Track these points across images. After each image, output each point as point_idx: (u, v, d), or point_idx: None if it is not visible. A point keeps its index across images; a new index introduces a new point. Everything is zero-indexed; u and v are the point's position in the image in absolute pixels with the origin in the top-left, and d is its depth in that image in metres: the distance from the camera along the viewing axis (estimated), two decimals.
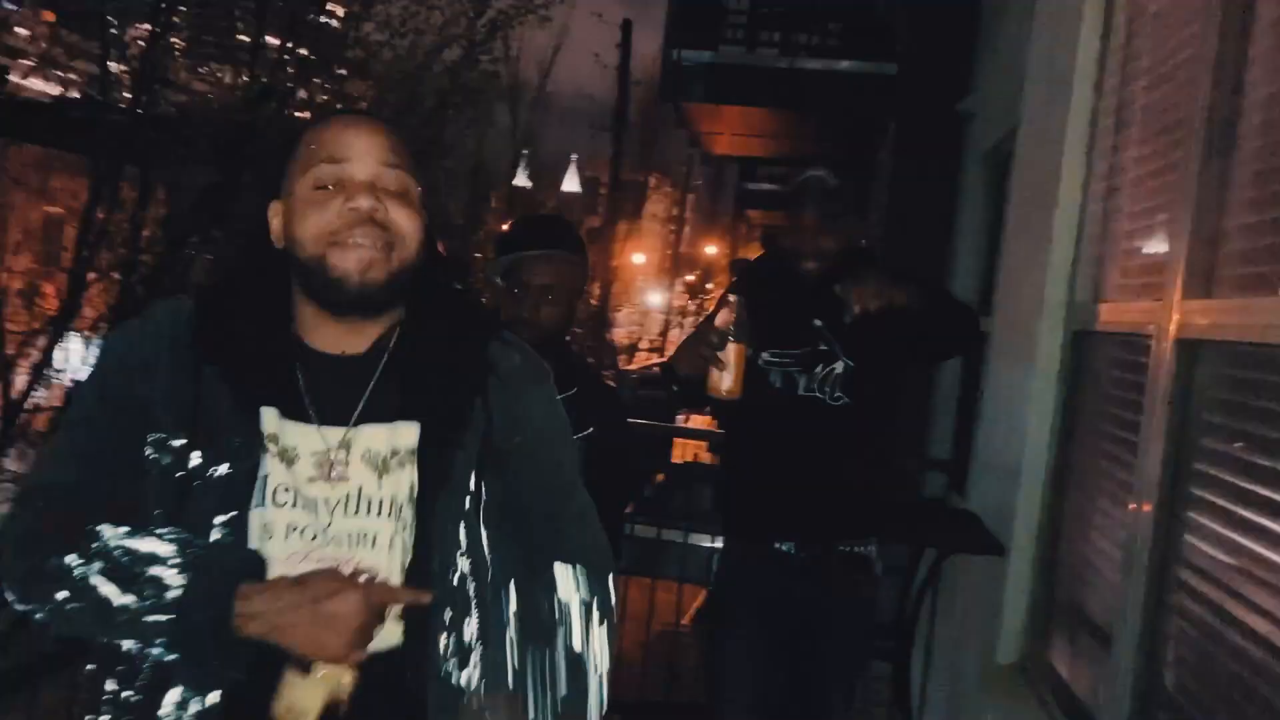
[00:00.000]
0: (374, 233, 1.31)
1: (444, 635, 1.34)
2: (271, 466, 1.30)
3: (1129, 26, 2.63)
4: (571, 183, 25.73)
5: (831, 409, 2.55)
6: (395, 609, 1.31)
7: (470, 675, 1.36)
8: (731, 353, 2.11)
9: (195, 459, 1.28)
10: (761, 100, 6.76)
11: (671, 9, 6.50)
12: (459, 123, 10.59)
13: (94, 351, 1.40)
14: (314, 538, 1.31)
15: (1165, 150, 2.25)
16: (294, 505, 1.31)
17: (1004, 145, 5.04)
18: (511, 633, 1.39)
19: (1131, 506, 2.12)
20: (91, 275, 6.72)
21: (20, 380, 6.67)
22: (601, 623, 1.43)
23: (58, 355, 6.76)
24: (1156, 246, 2.23)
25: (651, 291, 27.67)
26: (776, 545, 2.62)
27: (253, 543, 1.29)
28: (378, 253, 1.32)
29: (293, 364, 1.35)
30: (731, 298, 2.16)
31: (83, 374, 1.37)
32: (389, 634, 1.31)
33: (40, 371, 6.63)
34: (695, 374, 2.23)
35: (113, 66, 7.47)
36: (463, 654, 1.35)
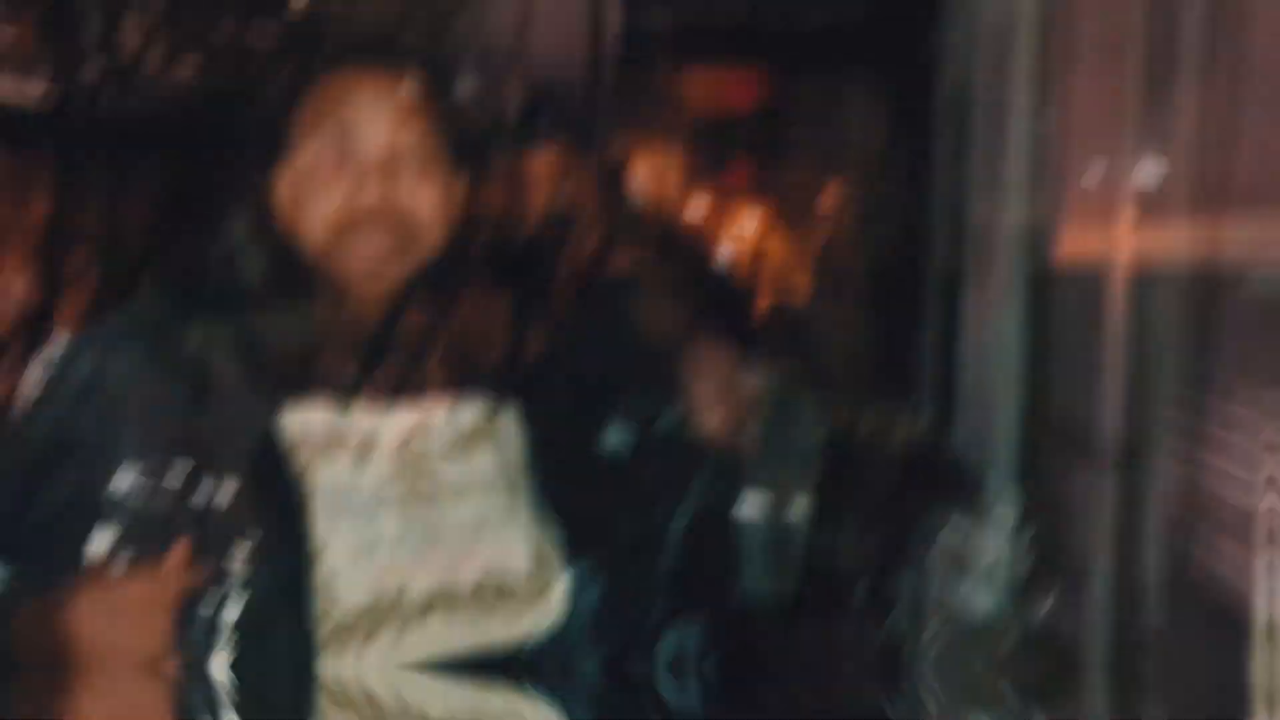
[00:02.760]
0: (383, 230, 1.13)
1: None
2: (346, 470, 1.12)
3: None
4: None
5: None
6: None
7: None
8: None
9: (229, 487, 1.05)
10: (724, 59, 6.64)
11: None
12: None
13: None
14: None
15: (1111, 70, 2.17)
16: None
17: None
18: None
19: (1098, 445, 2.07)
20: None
21: None
22: None
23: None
24: (1107, 174, 2.16)
25: None
26: None
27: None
28: (387, 254, 1.13)
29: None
30: None
31: None
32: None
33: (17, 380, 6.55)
34: None
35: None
36: None
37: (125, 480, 1.03)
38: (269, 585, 1.03)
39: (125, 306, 1.18)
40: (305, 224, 1.12)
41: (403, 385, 1.14)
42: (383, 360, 1.14)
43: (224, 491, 1.00)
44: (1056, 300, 2.57)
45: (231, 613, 1.02)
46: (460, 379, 1.18)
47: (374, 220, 1.11)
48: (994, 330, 2.83)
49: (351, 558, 1.08)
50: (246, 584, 1.01)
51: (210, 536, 1.03)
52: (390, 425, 1.13)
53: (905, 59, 5.74)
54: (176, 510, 1.02)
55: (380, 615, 1.09)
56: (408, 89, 1.16)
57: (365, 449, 1.11)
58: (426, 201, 1.14)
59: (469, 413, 1.18)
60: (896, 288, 5.67)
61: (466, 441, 1.16)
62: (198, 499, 1.02)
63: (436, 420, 1.15)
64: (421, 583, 1.10)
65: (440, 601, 1.11)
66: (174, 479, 1.01)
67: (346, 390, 1.12)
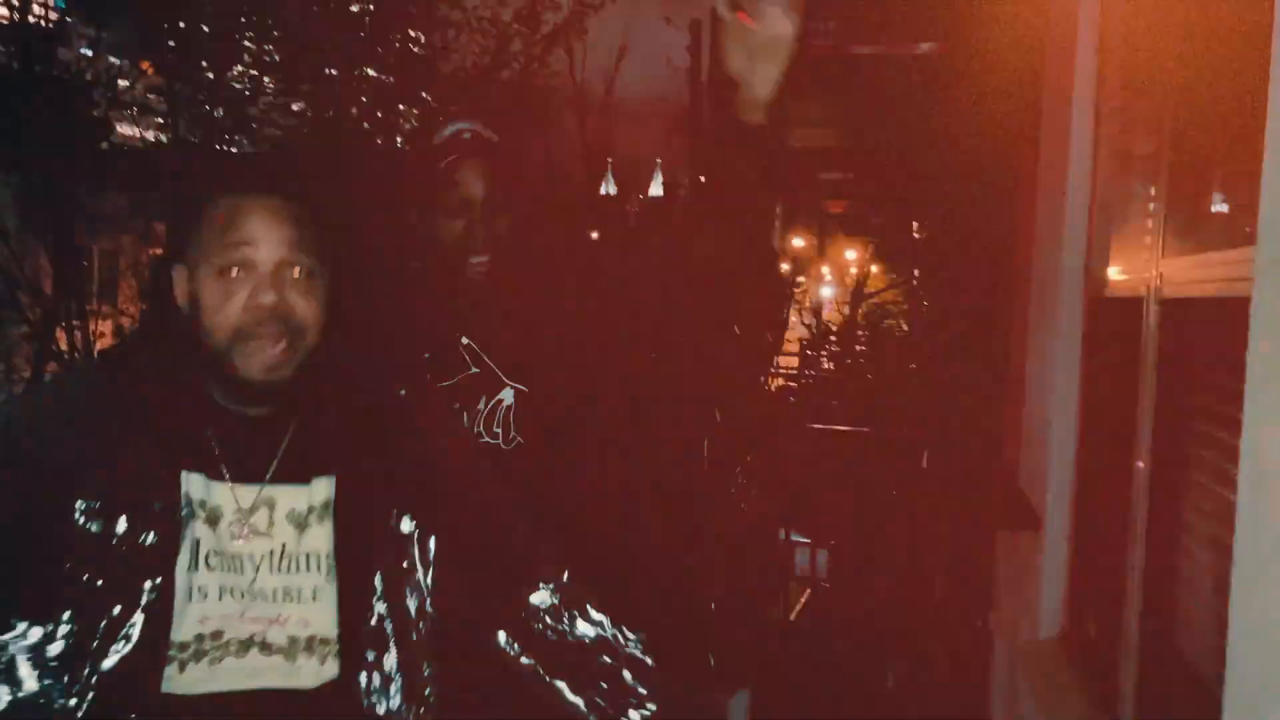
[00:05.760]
0: (274, 330, 1.33)
1: (367, 673, 1.39)
2: (201, 531, 1.33)
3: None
4: (656, 187, 25.78)
5: (510, 454, 1.86)
6: (332, 647, 1.38)
7: (394, 701, 1.41)
8: None
9: (121, 524, 1.29)
10: (810, 90, 6.72)
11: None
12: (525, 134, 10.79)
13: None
14: (244, 596, 1.34)
15: (1144, 102, 2.23)
16: (223, 567, 1.34)
17: None
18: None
19: (1134, 467, 2.11)
20: None
21: None
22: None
23: None
24: (1144, 205, 2.21)
25: None
26: None
27: (183, 606, 1.31)
28: (279, 352, 1.33)
29: (206, 423, 1.36)
30: None
31: None
32: (327, 669, 1.38)
33: None
34: None
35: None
36: (385, 686, 1.40)
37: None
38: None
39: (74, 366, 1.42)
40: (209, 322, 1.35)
41: (259, 464, 1.38)
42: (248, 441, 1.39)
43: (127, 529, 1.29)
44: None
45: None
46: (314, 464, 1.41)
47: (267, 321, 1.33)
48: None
49: (183, 600, 1.32)
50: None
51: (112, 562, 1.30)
52: (239, 496, 1.36)
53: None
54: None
55: (199, 649, 1.32)
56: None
57: (214, 515, 1.35)
58: (307, 308, 1.35)
59: (309, 494, 1.39)
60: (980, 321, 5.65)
61: (302, 519, 1.38)
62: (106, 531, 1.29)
63: (279, 498, 1.38)
64: (237, 630, 1.34)
65: (256, 646, 1.35)
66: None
67: (216, 463, 1.37)
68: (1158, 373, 2.01)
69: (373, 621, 1.39)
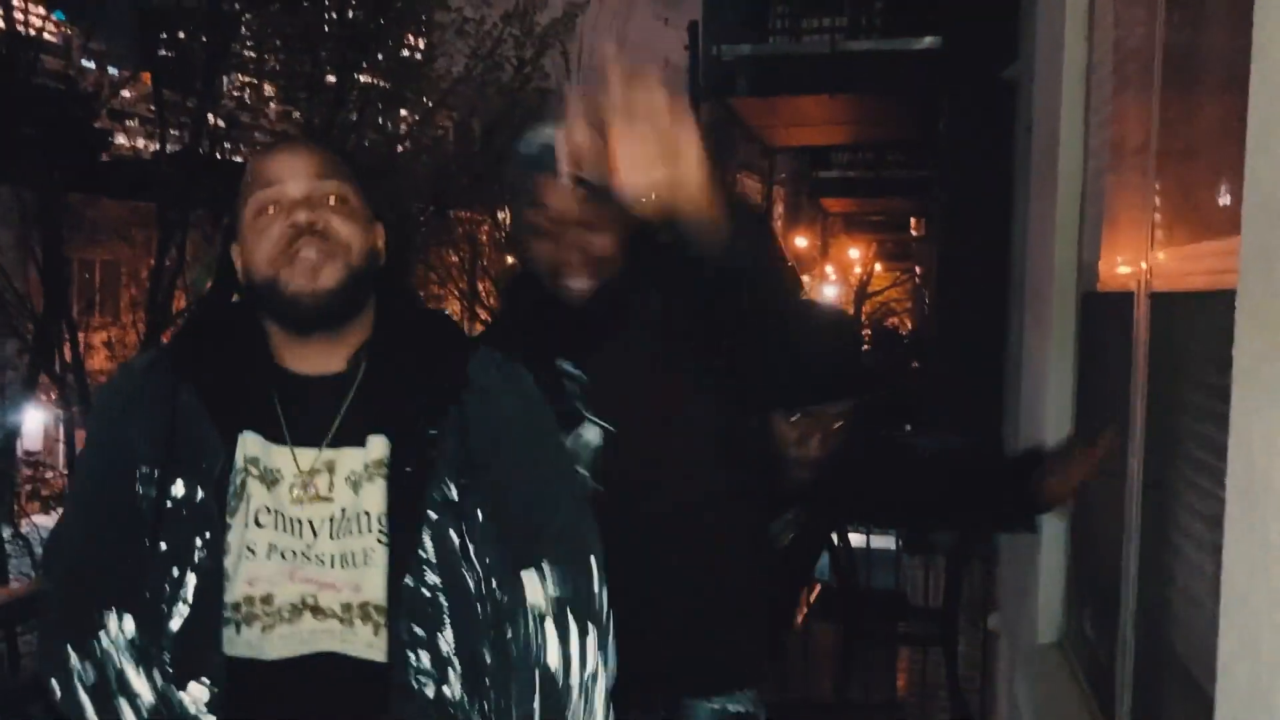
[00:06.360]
0: (315, 242, 1.34)
1: (414, 650, 1.32)
2: (254, 489, 1.33)
3: None
4: None
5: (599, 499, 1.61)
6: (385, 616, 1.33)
7: (454, 689, 1.33)
8: None
9: (178, 488, 1.32)
10: (808, 88, 6.68)
11: (708, 5, 6.48)
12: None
13: None
14: (296, 557, 1.32)
15: (1135, 94, 2.17)
16: (276, 526, 1.33)
17: None
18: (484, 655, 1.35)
19: (1125, 468, 2.05)
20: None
21: None
22: (581, 626, 1.38)
23: None
24: (1133, 198, 2.15)
25: None
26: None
27: (233, 563, 1.32)
28: (322, 259, 1.34)
29: (270, 387, 1.38)
30: None
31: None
32: (380, 640, 1.32)
33: None
34: None
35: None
36: (440, 668, 1.33)
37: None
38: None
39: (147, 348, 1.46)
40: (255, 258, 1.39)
41: (321, 427, 1.38)
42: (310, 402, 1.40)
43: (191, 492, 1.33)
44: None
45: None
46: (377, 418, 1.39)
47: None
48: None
49: (235, 560, 1.33)
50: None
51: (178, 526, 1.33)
52: (299, 458, 1.37)
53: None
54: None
55: (250, 612, 1.33)
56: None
57: (271, 476, 1.36)
58: (344, 225, 1.38)
59: (365, 453, 1.37)
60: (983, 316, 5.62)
61: (357, 479, 1.36)
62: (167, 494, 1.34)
63: (340, 460, 1.37)
64: (286, 593, 1.33)
65: (308, 610, 1.33)
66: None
67: (277, 425, 1.38)
68: (1149, 369, 1.94)
69: (425, 593, 1.33)
